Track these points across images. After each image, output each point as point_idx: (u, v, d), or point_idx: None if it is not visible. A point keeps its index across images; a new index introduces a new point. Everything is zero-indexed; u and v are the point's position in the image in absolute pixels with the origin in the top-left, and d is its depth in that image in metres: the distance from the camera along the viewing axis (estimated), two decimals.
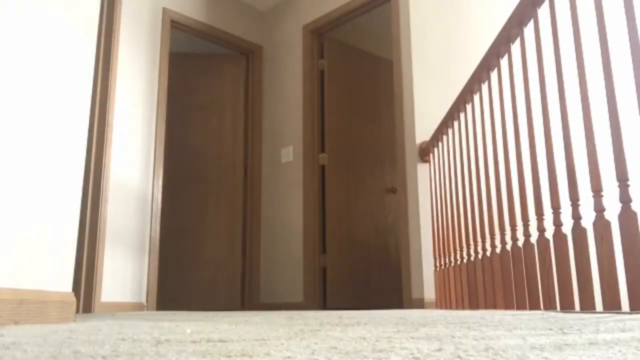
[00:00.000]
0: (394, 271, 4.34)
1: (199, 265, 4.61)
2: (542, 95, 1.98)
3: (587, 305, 1.65)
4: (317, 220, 4.36)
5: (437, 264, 3.40)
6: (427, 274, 3.53)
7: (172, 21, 4.49)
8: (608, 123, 1.57)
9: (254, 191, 4.79)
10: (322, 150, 4.52)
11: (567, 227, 1.80)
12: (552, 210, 1.86)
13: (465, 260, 2.85)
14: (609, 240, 1.56)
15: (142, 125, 4.13)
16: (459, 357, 0.60)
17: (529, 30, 2.18)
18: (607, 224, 1.57)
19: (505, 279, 2.25)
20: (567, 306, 1.76)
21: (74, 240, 1.66)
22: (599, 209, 1.61)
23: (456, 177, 3.07)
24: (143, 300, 3.90)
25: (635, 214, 1.48)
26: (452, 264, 3.06)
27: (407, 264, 3.64)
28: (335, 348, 0.70)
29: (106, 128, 3.80)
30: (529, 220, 2.09)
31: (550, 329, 0.97)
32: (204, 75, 5.08)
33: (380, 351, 0.67)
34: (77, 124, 1.70)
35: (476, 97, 2.80)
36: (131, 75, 4.10)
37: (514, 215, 2.25)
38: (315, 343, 0.77)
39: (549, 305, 1.86)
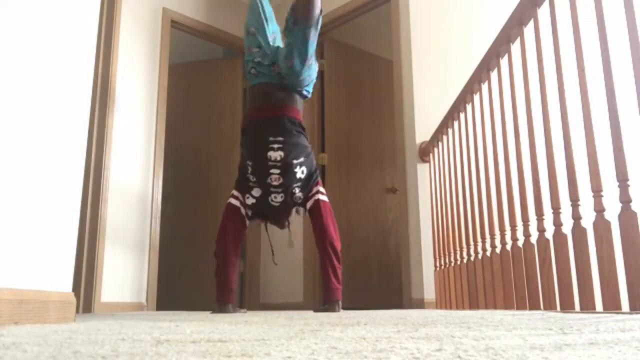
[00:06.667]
0: (394, 271, 4.33)
1: (199, 266, 4.61)
2: (542, 95, 1.98)
3: (587, 305, 1.65)
4: None
5: (437, 264, 3.40)
6: (427, 274, 3.52)
7: (172, 21, 4.49)
8: (608, 123, 1.57)
9: None
10: (322, 150, 4.51)
11: (567, 227, 1.79)
12: (552, 210, 1.86)
13: (465, 260, 2.85)
14: (609, 240, 1.56)
15: (142, 125, 4.13)
16: (459, 357, 0.60)
17: (529, 30, 2.18)
18: (607, 224, 1.57)
19: (505, 279, 2.25)
20: (567, 306, 1.76)
21: (74, 240, 1.66)
22: (599, 209, 1.61)
23: (456, 177, 3.07)
24: (143, 300, 3.90)
25: (635, 214, 1.48)
26: (452, 264, 3.06)
27: (407, 264, 3.64)
28: (335, 348, 0.70)
29: (106, 128, 3.80)
30: (529, 220, 2.09)
31: (550, 329, 0.97)
32: (203, 77, 5.08)
33: (380, 351, 0.67)
34: (77, 124, 1.70)
35: (476, 97, 2.80)
36: (131, 75, 4.10)
37: (514, 215, 2.24)
38: (315, 343, 0.77)
39: (549, 305, 1.86)
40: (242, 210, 2.75)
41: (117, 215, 3.80)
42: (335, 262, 2.68)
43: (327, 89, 4.61)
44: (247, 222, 2.79)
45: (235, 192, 2.78)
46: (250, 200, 2.74)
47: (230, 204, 2.77)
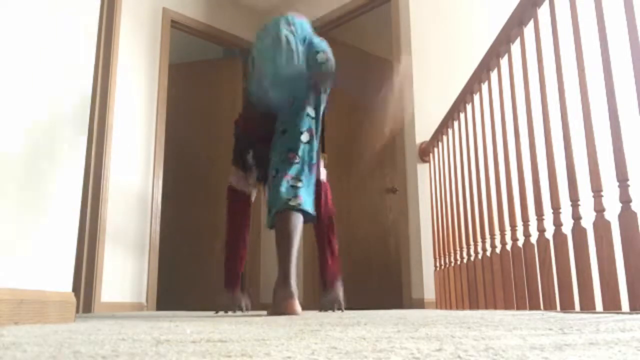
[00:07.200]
0: (394, 271, 4.33)
1: (199, 265, 4.61)
2: (542, 95, 1.98)
3: (587, 305, 1.65)
4: None
5: (437, 264, 3.40)
6: (427, 274, 3.52)
7: (172, 21, 4.49)
8: (608, 123, 1.57)
9: None
10: (322, 150, 4.51)
11: (567, 227, 1.79)
12: (552, 211, 1.86)
13: (465, 260, 2.85)
14: (609, 240, 1.56)
15: (142, 125, 4.13)
16: (459, 357, 0.60)
17: (529, 30, 2.18)
18: (607, 224, 1.57)
19: (505, 279, 2.25)
20: (567, 306, 1.76)
21: (74, 240, 1.66)
22: (599, 209, 1.61)
23: (456, 177, 3.07)
24: (143, 300, 3.89)
25: (635, 214, 1.48)
26: (452, 264, 3.06)
27: (407, 264, 3.64)
28: (335, 348, 0.70)
29: (106, 128, 3.79)
30: (529, 220, 2.09)
31: (550, 329, 0.97)
32: (203, 77, 5.08)
33: (380, 351, 0.67)
34: (77, 124, 1.70)
35: (476, 97, 2.80)
36: (131, 75, 4.10)
37: (514, 215, 2.24)
38: (315, 343, 0.77)
39: (549, 305, 1.86)
40: (246, 190, 2.71)
41: (117, 215, 3.80)
42: (333, 240, 2.82)
43: None
44: (253, 197, 2.78)
45: (235, 171, 2.72)
46: (252, 178, 2.74)
47: (231, 187, 2.72)
